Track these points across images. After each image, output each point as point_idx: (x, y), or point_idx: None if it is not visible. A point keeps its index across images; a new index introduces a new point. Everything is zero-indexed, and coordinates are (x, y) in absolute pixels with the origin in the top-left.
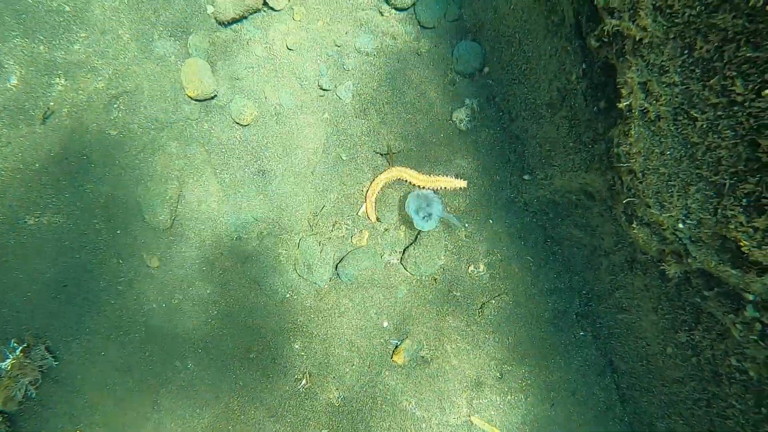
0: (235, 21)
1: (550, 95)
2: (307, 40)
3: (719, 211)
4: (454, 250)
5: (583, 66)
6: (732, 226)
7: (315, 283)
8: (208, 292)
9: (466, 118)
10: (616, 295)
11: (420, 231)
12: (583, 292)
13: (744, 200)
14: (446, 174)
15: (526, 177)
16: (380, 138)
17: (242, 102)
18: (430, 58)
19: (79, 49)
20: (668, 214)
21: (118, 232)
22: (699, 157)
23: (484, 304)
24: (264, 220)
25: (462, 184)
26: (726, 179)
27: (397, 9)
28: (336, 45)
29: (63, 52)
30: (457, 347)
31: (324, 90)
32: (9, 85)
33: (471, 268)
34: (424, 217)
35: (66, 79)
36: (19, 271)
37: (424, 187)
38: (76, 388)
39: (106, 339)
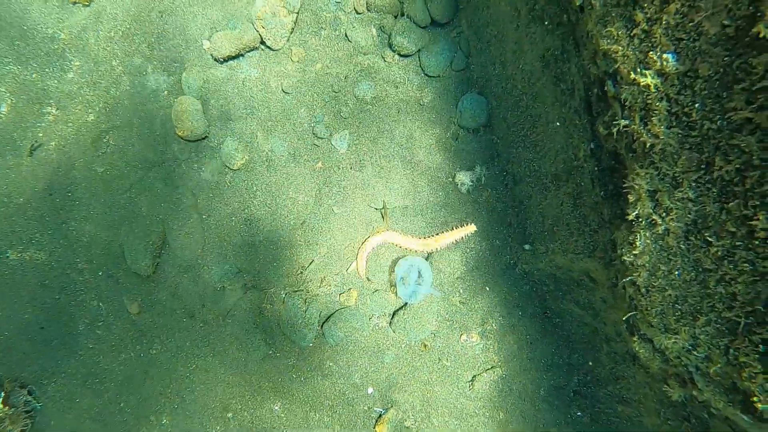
0: (231, 58)
1: (555, 167)
2: (304, 84)
3: (731, 351)
4: (446, 317)
5: (592, 145)
6: (745, 374)
7: (299, 342)
8: (187, 344)
9: (469, 183)
10: (618, 386)
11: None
12: (583, 371)
13: (762, 347)
14: (449, 227)
15: (526, 247)
16: (376, 193)
17: (233, 145)
18: (433, 110)
19: (72, 78)
20: (672, 340)
21: (100, 273)
22: (711, 286)
23: (475, 376)
24: (249, 271)
25: (471, 228)
26: (741, 317)
27: (401, 55)
28: (334, 91)
29: (56, 81)
30: (444, 421)
31: (319, 138)
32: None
33: (464, 337)
34: (411, 291)
35: (57, 109)
36: None
37: (422, 251)
38: None
39: (81, 385)
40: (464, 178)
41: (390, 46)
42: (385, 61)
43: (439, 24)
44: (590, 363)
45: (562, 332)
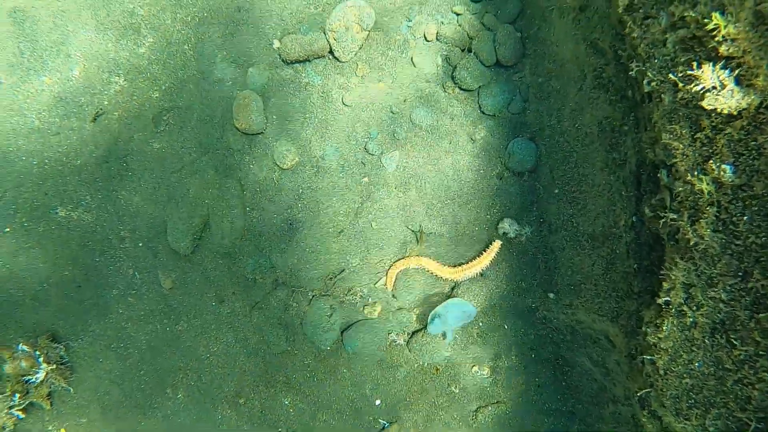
0: (298, 61)
1: (593, 228)
2: (365, 100)
3: None
4: (462, 346)
5: (633, 219)
6: None
7: (318, 344)
8: (212, 327)
9: (511, 234)
10: None
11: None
12: (584, 423)
13: None
14: (476, 255)
15: (551, 295)
16: (415, 215)
17: (286, 146)
18: (483, 147)
19: (144, 53)
20: (683, 425)
21: (140, 244)
22: (728, 386)
23: (480, 407)
24: (282, 269)
25: (497, 245)
26: (753, 421)
27: (461, 89)
28: (392, 111)
29: (128, 54)
30: None
31: (370, 154)
32: (71, 75)
33: (475, 368)
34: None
35: (125, 81)
36: (40, 260)
37: (451, 280)
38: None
39: (106, 347)
40: (507, 227)
41: (452, 78)
42: (445, 91)
43: (503, 66)
44: (592, 417)
45: (570, 382)
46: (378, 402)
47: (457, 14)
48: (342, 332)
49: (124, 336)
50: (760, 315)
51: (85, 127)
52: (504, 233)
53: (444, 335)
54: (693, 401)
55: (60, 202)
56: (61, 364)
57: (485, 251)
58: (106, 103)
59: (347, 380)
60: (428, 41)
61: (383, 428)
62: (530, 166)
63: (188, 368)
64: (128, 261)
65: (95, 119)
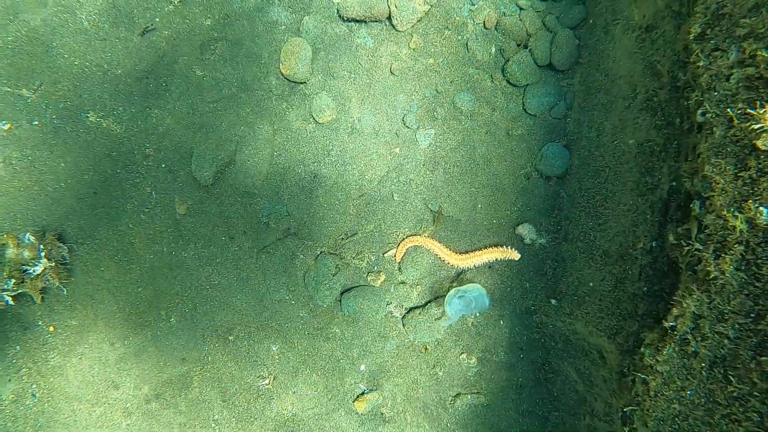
0: (354, 20)
1: (610, 245)
2: (412, 72)
3: None
4: (455, 332)
5: (653, 243)
6: None
7: (316, 300)
8: (217, 260)
9: (527, 240)
10: None
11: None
12: (556, 430)
13: None
14: (488, 246)
15: (552, 301)
16: (437, 196)
17: (326, 101)
18: (518, 144)
19: None
20: None
21: (163, 165)
22: (715, 419)
23: (460, 394)
24: (297, 219)
25: (515, 256)
26: None
27: (509, 83)
28: (437, 90)
29: None
30: (417, 421)
31: (406, 126)
32: None
33: (463, 356)
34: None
35: (180, 2)
36: (63, 160)
37: (459, 266)
38: (65, 287)
39: (110, 258)
40: (525, 233)
41: (503, 70)
42: (492, 81)
43: (555, 69)
44: (566, 427)
45: (551, 388)
46: (363, 368)
47: (521, 8)
48: (342, 293)
49: (129, 251)
50: (762, 358)
51: (132, 39)
52: (521, 238)
53: (451, 316)
54: (676, 426)
55: (92, 107)
56: (62, 264)
57: (497, 247)
58: (157, 20)
59: (337, 340)
60: (486, 29)
61: (363, 393)
62: (560, 173)
63: (185, 295)
64: (148, 179)
65: (144, 33)
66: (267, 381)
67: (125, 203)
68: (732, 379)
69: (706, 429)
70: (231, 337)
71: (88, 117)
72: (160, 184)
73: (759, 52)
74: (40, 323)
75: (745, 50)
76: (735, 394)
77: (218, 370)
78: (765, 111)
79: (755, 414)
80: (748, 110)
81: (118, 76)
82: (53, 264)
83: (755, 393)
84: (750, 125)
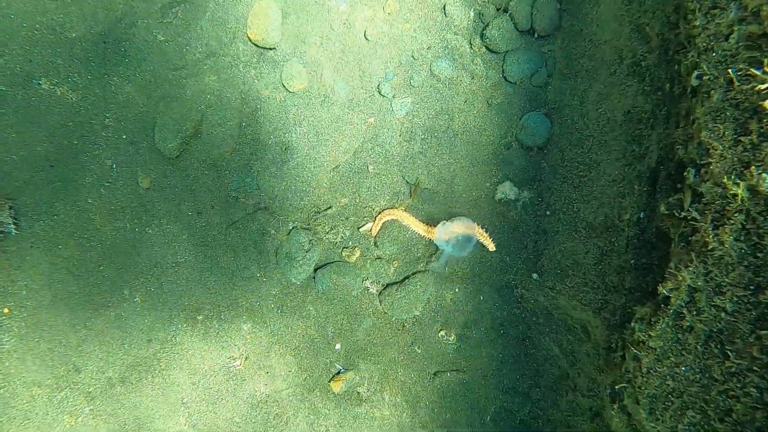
0: None
1: (594, 216)
2: (387, 38)
3: None
4: (434, 308)
5: (641, 215)
6: None
7: (289, 277)
8: (184, 237)
9: (508, 198)
10: None
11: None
12: (537, 406)
13: None
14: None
15: (534, 276)
16: (414, 168)
17: (297, 68)
18: (498, 114)
19: None
20: (653, 425)
21: (124, 137)
22: (711, 395)
23: (438, 372)
24: (267, 193)
25: (491, 247)
26: None
27: (488, 49)
28: (413, 56)
29: None
30: (395, 400)
31: (381, 95)
32: None
33: (442, 332)
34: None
35: None
36: (14, 130)
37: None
38: (20, 266)
39: (69, 235)
40: (506, 191)
41: (482, 36)
42: (471, 48)
43: (535, 34)
44: (547, 402)
45: (532, 364)
46: (338, 347)
47: None
48: (316, 270)
49: (89, 227)
50: (762, 331)
51: (86, 0)
52: (502, 194)
53: (440, 257)
54: (670, 403)
55: (45, 73)
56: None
57: (478, 227)
58: None
59: (312, 318)
60: None
61: (338, 372)
62: (541, 143)
63: (150, 273)
64: (108, 151)
65: None
66: (238, 362)
67: (84, 177)
68: (730, 354)
69: (702, 406)
70: (200, 317)
71: (40, 84)
72: (122, 156)
73: (763, 8)
74: None
75: (747, 6)
76: (733, 369)
77: (187, 351)
78: None
79: (754, 389)
80: (751, 70)
81: (72, 40)
82: None
83: (754, 368)
84: (754, 86)
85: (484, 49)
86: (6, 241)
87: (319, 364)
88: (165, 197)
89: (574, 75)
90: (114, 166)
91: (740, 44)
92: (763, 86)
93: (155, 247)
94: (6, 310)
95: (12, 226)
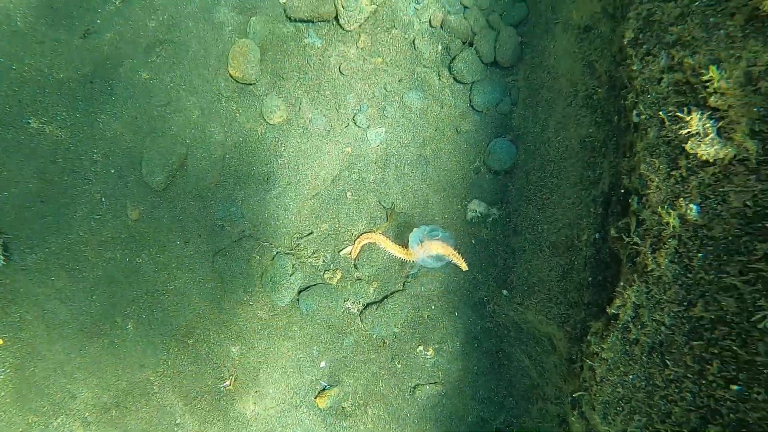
0: (302, 21)
1: (557, 236)
2: (361, 72)
3: None
4: (412, 324)
5: (596, 236)
6: None
7: (274, 300)
8: (173, 265)
9: (478, 215)
10: None
11: (391, 294)
12: (511, 414)
13: None
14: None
15: (504, 292)
16: (390, 193)
17: (276, 102)
18: (467, 140)
19: None
20: (607, 428)
21: (113, 171)
22: (654, 400)
23: (418, 385)
24: (251, 221)
25: (464, 267)
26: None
27: (456, 80)
28: (385, 89)
29: None
30: (378, 414)
31: (356, 126)
32: None
33: (420, 348)
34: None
35: (121, 2)
36: (5, 168)
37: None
38: (14, 299)
39: (61, 267)
40: (477, 208)
41: (449, 68)
42: (440, 79)
43: (500, 66)
44: (519, 410)
45: (506, 375)
46: (323, 364)
47: (465, 7)
48: (299, 292)
49: (81, 258)
50: (695, 342)
51: (73, 42)
52: (472, 212)
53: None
54: (620, 409)
55: (34, 112)
56: None
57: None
58: (99, 21)
59: (297, 339)
60: (432, 27)
61: (324, 389)
62: (507, 167)
63: (142, 301)
64: (97, 185)
65: (85, 36)
66: (228, 382)
67: (75, 210)
68: (668, 363)
69: (647, 410)
70: (190, 341)
71: (29, 123)
72: (111, 190)
73: (686, 60)
74: None
75: (674, 57)
76: (671, 376)
77: (178, 374)
78: (691, 117)
79: (689, 394)
80: (678, 113)
81: (60, 81)
82: None
83: (688, 375)
84: (679, 128)
85: (452, 80)
86: None
87: (305, 381)
88: (153, 228)
89: (535, 104)
90: (103, 199)
91: (670, 89)
92: (684, 130)
93: (146, 275)
94: (0, 342)
95: (1, 258)
